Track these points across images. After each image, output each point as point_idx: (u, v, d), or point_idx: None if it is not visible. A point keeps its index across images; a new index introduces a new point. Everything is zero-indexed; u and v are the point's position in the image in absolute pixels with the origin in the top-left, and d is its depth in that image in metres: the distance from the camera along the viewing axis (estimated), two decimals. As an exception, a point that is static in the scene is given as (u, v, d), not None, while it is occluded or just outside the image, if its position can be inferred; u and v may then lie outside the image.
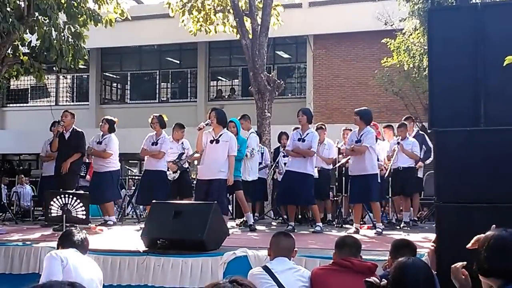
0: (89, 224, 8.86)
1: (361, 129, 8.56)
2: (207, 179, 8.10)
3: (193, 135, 10.34)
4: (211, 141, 8.15)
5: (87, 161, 11.07)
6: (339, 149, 10.53)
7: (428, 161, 10.07)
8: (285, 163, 10.19)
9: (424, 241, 6.71)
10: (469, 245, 3.07)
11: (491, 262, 2.74)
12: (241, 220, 9.60)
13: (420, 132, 10.83)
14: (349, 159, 9.75)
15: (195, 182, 11.56)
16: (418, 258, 3.59)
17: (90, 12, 11.55)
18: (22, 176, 13.89)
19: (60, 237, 4.83)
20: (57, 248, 4.71)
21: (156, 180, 9.24)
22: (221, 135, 8.16)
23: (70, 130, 9.47)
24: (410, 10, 13.80)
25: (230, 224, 8.09)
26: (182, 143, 10.17)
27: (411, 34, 14.26)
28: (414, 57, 14.31)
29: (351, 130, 10.92)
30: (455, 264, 3.16)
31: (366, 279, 3.46)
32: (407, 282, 3.04)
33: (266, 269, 4.29)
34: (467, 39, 5.36)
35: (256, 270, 4.42)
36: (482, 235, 2.97)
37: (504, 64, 3.88)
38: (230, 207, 10.08)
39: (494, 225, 3.10)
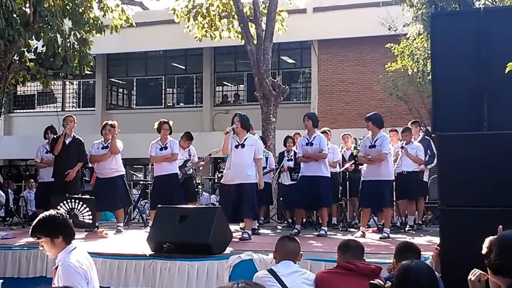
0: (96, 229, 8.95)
1: (375, 134, 8.58)
2: (235, 183, 8.02)
3: (199, 140, 10.44)
4: (236, 146, 8.10)
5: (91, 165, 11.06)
6: (342, 155, 10.59)
7: (430, 166, 10.12)
8: (289, 167, 10.25)
9: (428, 244, 6.73)
10: (484, 250, 3.01)
11: (501, 260, 2.75)
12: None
13: (426, 137, 10.85)
14: (353, 163, 9.79)
15: (199, 186, 11.68)
16: (422, 261, 3.62)
17: (94, 21, 11.65)
18: (32, 180, 13.92)
19: (52, 227, 4.02)
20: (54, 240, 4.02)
21: (173, 184, 9.30)
22: (246, 139, 8.14)
23: (71, 136, 9.45)
24: (414, 15, 13.83)
25: (234, 228, 8.12)
26: (189, 150, 10.27)
27: (415, 39, 14.29)
28: (418, 62, 14.33)
29: (350, 135, 11.00)
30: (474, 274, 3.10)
31: (371, 281, 3.50)
32: (410, 284, 3.07)
33: (272, 272, 4.34)
34: (470, 44, 5.39)
35: (261, 273, 4.47)
36: (492, 237, 2.98)
37: (506, 71, 3.91)
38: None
39: (500, 226, 3.13)
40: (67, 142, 9.38)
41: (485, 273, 2.98)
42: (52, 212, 4.12)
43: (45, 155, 10.19)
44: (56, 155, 9.39)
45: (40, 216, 4.14)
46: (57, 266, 4.01)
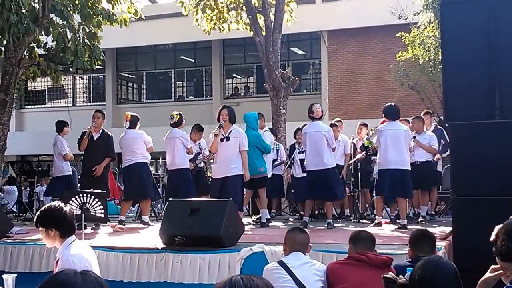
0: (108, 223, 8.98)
1: None
2: (220, 177, 8.13)
3: (209, 133, 10.42)
4: (222, 139, 8.15)
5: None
6: (354, 144, 10.52)
7: (445, 154, 10.03)
8: (300, 159, 10.21)
9: (441, 235, 6.69)
10: (492, 237, 2.98)
11: (507, 246, 2.72)
12: (258, 216, 9.64)
13: (439, 126, 10.77)
14: (363, 154, 9.76)
15: (210, 180, 11.69)
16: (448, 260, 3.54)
17: (105, 12, 11.64)
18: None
19: (51, 220, 3.99)
20: (51, 232, 3.99)
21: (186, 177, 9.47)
22: (230, 131, 8.17)
23: (100, 131, 9.47)
24: (424, 3, 13.73)
25: (246, 220, 8.12)
26: (200, 143, 10.28)
27: (425, 28, 14.18)
28: (429, 51, 14.23)
29: (366, 125, 10.90)
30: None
31: (385, 275, 3.41)
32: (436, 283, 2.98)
33: (282, 264, 4.32)
34: (480, 31, 5.34)
35: (271, 265, 4.45)
36: (501, 225, 2.95)
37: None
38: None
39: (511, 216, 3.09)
40: (95, 137, 9.40)
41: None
42: (53, 204, 4.14)
43: (67, 148, 10.15)
44: (85, 151, 9.42)
45: (44, 206, 4.22)
46: (57, 260, 4.03)
